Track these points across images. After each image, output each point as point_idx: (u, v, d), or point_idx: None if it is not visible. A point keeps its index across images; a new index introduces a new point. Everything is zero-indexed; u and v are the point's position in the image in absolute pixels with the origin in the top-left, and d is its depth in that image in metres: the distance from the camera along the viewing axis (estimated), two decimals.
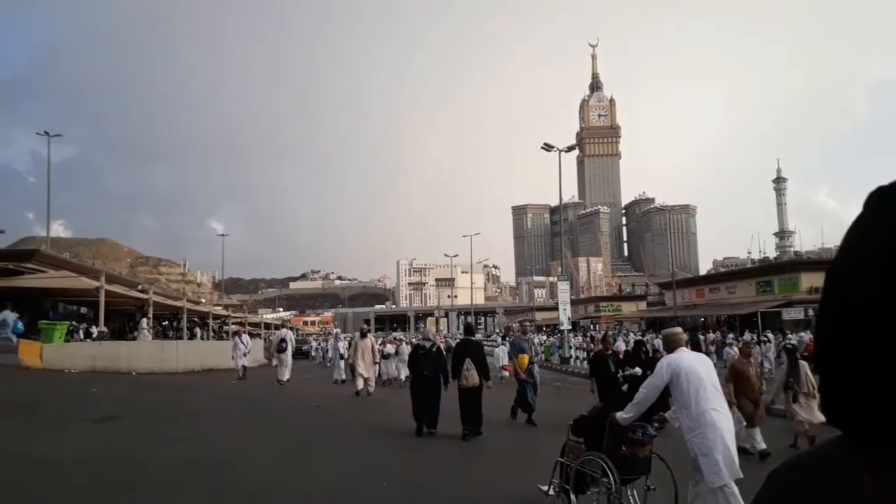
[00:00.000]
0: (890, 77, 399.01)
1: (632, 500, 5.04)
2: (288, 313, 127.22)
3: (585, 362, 25.04)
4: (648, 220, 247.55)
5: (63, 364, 16.61)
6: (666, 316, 42.41)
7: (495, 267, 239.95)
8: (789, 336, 22.01)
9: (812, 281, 34.79)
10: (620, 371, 10.22)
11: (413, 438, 9.58)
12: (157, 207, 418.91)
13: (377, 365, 17.57)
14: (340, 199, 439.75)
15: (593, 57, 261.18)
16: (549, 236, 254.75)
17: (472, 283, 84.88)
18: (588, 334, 39.03)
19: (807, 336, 20.16)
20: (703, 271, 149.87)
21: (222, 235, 69.71)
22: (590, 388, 10.53)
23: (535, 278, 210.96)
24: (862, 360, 0.55)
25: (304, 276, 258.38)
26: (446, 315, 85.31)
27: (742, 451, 8.33)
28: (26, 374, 15.16)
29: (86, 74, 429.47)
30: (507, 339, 36.55)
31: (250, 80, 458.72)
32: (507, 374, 19.09)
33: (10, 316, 18.27)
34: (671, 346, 5.02)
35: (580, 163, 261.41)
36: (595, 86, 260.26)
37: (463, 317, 76.17)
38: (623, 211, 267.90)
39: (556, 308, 36.68)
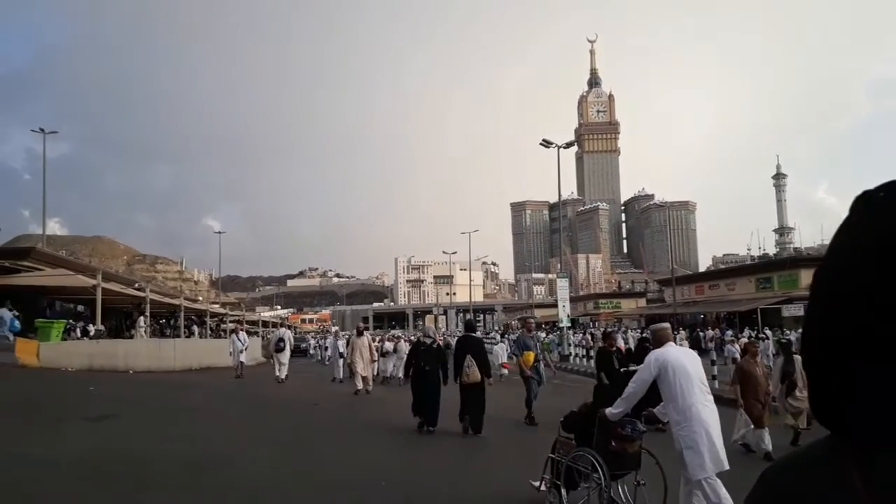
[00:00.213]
0: (890, 75, 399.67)
1: (622, 496, 5.08)
2: (286, 311, 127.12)
3: (585, 360, 25.07)
4: (648, 217, 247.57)
5: (60, 362, 16.55)
6: (665, 313, 42.38)
7: (494, 264, 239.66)
8: (787, 332, 22.02)
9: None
10: (625, 368, 10.16)
11: (412, 436, 9.55)
12: (154, 205, 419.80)
13: (375, 363, 17.53)
14: (340, 197, 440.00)
15: (592, 53, 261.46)
16: (548, 233, 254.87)
17: (470, 280, 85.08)
18: (588, 332, 39.08)
19: None
20: (702, 268, 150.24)
21: (219, 233, 69.40)
22: (598, 382, 10.49)
23: (535, 275, 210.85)
24: (850, 360, 0.57)
25: (301, 274, 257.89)
26: (445, 313, 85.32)
27: (745, 448, 8.30)
28: (23, 372, 15.10)
29: (85, 72, 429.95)
30: (507, 336, 36.72)
31: (256, 79, 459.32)
32: (506, 371, 19.07)
33: (6, 314, 18.18)
34: (659, 340, 5.08)
35: (579, 159, 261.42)
36: (594, 82, 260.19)
37: (462, 314, 76.16)
38: (622, 207, 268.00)
39: (555, 305, 36.69)
